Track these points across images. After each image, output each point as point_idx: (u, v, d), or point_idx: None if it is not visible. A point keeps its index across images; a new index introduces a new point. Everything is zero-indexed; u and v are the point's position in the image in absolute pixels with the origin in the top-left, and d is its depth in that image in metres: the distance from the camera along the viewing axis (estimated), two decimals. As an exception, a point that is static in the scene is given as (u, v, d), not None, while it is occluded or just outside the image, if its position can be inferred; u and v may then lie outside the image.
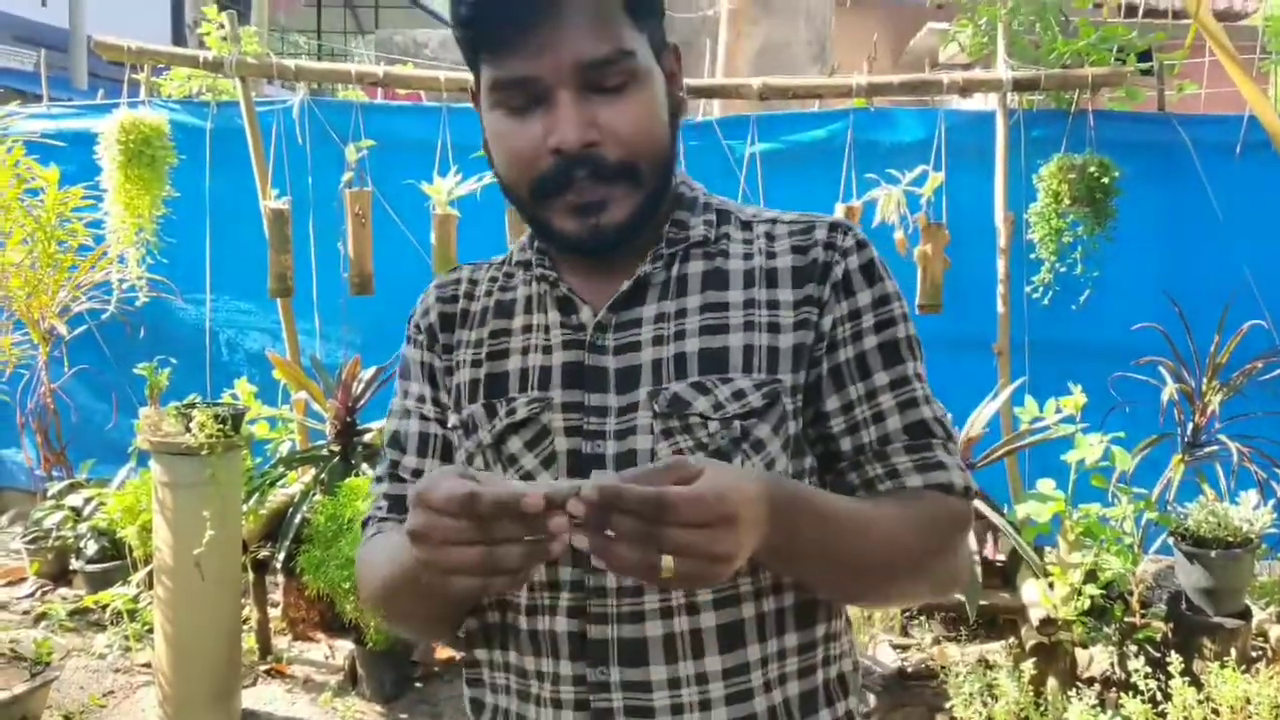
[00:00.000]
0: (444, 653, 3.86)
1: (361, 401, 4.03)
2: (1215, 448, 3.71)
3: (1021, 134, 4.13)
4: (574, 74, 0.97)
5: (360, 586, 1.15)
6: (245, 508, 3.68)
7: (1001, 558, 3.55)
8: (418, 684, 3.69)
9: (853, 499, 1.02)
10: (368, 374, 4.06)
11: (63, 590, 4.40)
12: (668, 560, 0.78)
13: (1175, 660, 3.05)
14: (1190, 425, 3.76)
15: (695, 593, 1.00)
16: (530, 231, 1.13)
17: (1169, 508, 3.62)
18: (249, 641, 3.78)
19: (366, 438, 4.02)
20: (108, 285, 4.52)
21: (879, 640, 3.88)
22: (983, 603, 3.30)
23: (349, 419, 4.00)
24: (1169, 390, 3.76)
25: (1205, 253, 4.14)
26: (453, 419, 1.12)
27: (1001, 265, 4.03)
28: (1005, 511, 3.57)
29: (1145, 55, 4.29)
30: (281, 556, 3.73)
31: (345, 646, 3.81)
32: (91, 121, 4.51)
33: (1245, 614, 3.41)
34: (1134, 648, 3.29)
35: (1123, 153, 3.99)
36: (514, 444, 1.05)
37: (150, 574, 3.59)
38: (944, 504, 1.03)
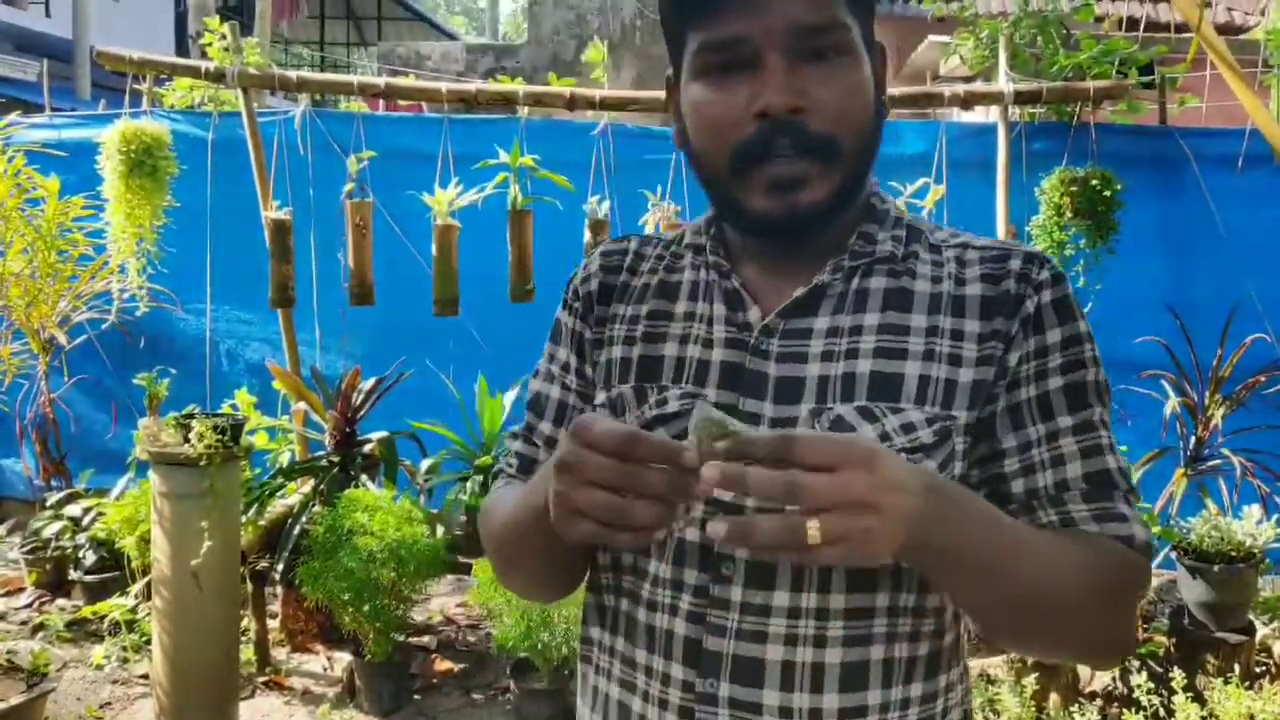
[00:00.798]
0: (443, 665, 3.85)
1: (361, 412, 4.02)
2: (1218, 462, 3.70)
3: (1023, 147, 4.14)
4: (786, 37, 0.94)
5: (481, 534, 1.15)
6: (244, 518, 3.66)
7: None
8: (416, 696, 3.67)
9: (1024, 524, 0.96)
10: (367, 385, 4.05)
11: (61, 601, 4.39)
12: (813, 525, 0.75)
13: (1178, 676, 3.03)
14: (1193, 439, 3.75)
15: (825, 625, 0.96)
16: (706, 215, 1.10)
17: (1172, 522, 3.61)
18: (247, 653, 3.76)
19: (366, 449, 4.01)
20: (108, 295, 4.51)
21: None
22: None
23: (349, 430, 3.99)
24: (1171, 404, 3.75)
25: (1207, 266, 4.14)
26: (600, 395, 1.09)
27: (1003, 278, 4.01)
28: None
29: (1147, 68, 4.30)
30: (280, 567, 3.72)
31: (344, 658, 3.80)
32: (93, 131, 4.51)
33: (1249, 629, 3.39)
34: (1136, 663, 3.27)
35: (1124, 166, 3.99)
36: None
37: (149, 585, 3.58)
38: (1122, 555, 0.96)
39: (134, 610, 3.96)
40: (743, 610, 0.97)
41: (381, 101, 5.73)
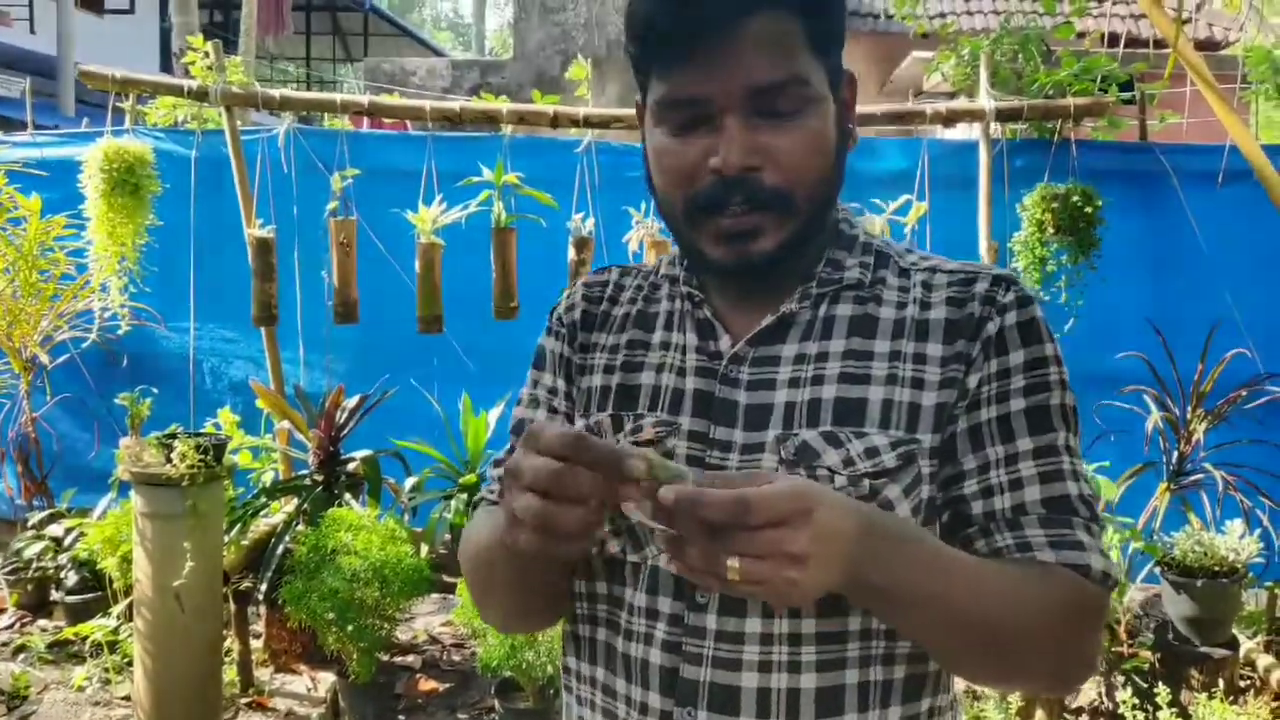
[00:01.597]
0: (427, 684, 3.83)
1: (345, 431, 4.01)
2: (1201, 476, 3.71)
3: (1005, 163, 4.16)
4: (744, 98, 0.95)
5: (460, 562, 1.15)
6: (227, 538, 3.64)
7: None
8: (401, 716, 3.65)
9: (971, 555, 0.95)
10: (351, 403, 4.04)
11: (42, 621, 4.35)
12: (733, 562, 0.76)
13: (1163, 691, 3.04)
14: (1175, 454, 3.77)
15: (799, 651, 0.96)
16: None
17: (1155, 537, 3.62)
18: (230, 673, 3.74)
19: (350, 467, 3.99)
20: (90, 314, 4.49)
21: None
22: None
23: (332, 449, 3.98)
24: (1154, 419, 3.77)
25: (1188, 281, 4.16)
26: (579, 422, 1.10)
27: (986, 294, 4.03)
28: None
29: (1127, 85, 4.33)
30: (264, 587, 3.69)
31: (328, 678, 3.78)
32: (75, 150, 4.49)
33: (1232, 643, 3.40)
34: (1121, 678, 3.28)
35: (1105, 182, 4.01)
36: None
37: (131, 605, 3.55)
38: (1077, 587, 0.94)
39: (116, 631, 3.93)
40: (717, 638, 0.97)
41: (366, 119, 5.73)
